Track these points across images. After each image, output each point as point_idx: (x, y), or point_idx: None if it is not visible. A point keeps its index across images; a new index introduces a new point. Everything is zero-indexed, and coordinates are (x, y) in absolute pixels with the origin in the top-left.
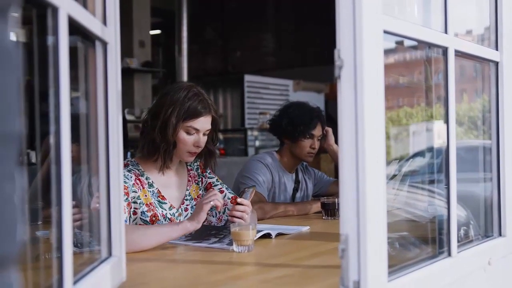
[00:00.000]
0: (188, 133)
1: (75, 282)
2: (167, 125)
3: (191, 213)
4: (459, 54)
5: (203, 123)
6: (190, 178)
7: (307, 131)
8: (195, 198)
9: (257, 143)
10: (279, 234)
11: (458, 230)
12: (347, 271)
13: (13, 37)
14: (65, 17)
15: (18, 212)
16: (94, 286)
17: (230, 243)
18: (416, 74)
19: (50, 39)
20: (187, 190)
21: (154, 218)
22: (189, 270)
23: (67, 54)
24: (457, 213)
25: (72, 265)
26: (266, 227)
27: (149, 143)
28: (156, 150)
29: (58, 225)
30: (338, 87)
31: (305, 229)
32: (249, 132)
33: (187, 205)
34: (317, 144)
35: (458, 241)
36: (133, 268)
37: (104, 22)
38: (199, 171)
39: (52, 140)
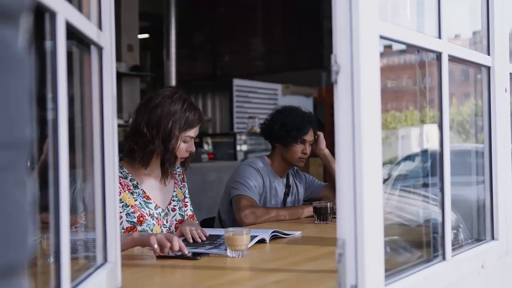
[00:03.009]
0: (184, 141)
1: None
2: (170, 137)
3: (179, 213)
4: (452, 59)
5: (197, 130)
6: (176, 181)
7: (299, 136)
8: (181, 200)
9: (246, 147)
10: (274, 237)
11: None
12: (344, 275)
13: (23, 43)
14: (63, 22)
15: (29, 220)
16: None
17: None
18: (405, 78)
19: (47, 44)
20: (174, 191)
21: (141, 218)
22: (184, 276)
23: (64, 58)
24: None
25: (70, 271)
26: (259, 232)
27: (149, 154)
28: (151, 159)
29: (55, 231)
30: (334, 92)
31: (298, 233)
32: (238, 136)
33: (174, 206)
34: (308, 149)
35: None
36: (128, 274)
37: (100, 27)
38: (180, 178)
39: (49, 145)
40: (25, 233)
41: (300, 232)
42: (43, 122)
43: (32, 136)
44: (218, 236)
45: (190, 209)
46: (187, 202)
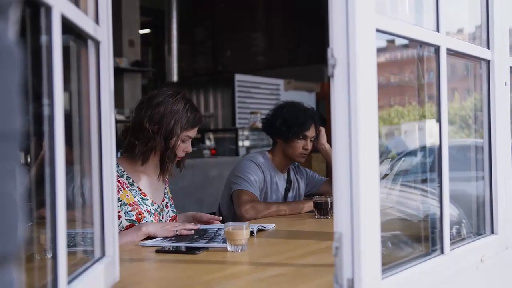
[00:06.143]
0: (183, 141)
1: (69, 282)
2: (171, 135)
3: (171, 210)
4: (450, 52)
5: (195, 131)
6: (166, 180)
7: (301, 132)
8: (171, 198)
9: (248, 143)
10: (260, 230)
11: (451, 228)
12: (341, 269)
13: (13, 36)
14: (59, 16)
15: (19, 210)
16: (88, 286)
17: (225, 241)
18: (407, 73)
19: (43, 38)
20: (165, 189)
21: (140, 216)
22: (183, 270)
23: (60, 53)
24: (449, 212)
25: (66, 265)
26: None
27: (150, 150)
28: (149, 156)
29: (52, 226)
30: (331, 85)
31: (271, 226)
32: (240, 132)
33: (166, 203)
34: (309, 145)
35: (451, 240)
36: (126, 268)
37: (97, 21)
38: (167, 177)
39: (45, 141)
40: (15, 224)
41: (274, 225)
42: (43, 118)
43: (23, 128)
44: (206, 230)
45: (173, 210)
46: (172, 203)
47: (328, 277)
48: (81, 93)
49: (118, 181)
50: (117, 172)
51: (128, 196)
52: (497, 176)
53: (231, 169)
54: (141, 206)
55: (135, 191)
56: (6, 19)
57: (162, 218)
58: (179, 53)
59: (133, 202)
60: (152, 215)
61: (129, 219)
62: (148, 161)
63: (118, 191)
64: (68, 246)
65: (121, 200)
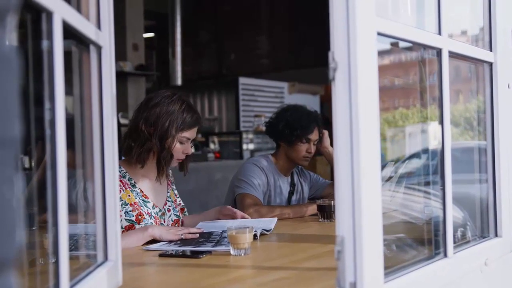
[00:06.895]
0: (181, 142)
1: (71, 287)
2: (166, 136)
3: (174, 214)
4: (453, 55)
5: (194, 132)
6: (169, 183)
7: (304, 135)
8: (174, 201)
9: (252, 146)
10: (262, 234)
11: (455, 231)
12: (343, 272)
13: (11, 41)
14: (60, 22)
15: (17, 216)
16: None
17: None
18: (412, 76)
19: (44, 43)
20: (168, 192)
21: (140, 217)
22: (186, 274)
23: (61, 58)
24: (454, 214)
25: (69, 269)
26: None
27: (146, 152)
28: (147, 158)
29: (54, 230)
30: (332, 89)
31: (274, 221)
32: (244, 135)
33: (169, 206)
34: (313, 149)
35: (455, 242)
36: (129, 273)
37: (98, 26)
38: (172, 180)
39: (47, 145)
40: (13, 230)
41: (275, 219)
42: (41, 122)
43: (24, 133)
44: (211, 233)
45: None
46: (179, 200)
47: (331, 280)
48: (84, 97)
49: (120, 181)
50: (120, 172)
51: (129, 196)
52: (500, 178)
53: (235, 172)
54: (142, 207)
55: (136, 193)
56: (4, 25)
57: (164, 221)
58: (183, 56)
59: (134, 203)
60: (152, 217)
61: (128, 219)
62: (147, 163)
63: (120, 190)
64: (70, 249)
65: (122, 200)
